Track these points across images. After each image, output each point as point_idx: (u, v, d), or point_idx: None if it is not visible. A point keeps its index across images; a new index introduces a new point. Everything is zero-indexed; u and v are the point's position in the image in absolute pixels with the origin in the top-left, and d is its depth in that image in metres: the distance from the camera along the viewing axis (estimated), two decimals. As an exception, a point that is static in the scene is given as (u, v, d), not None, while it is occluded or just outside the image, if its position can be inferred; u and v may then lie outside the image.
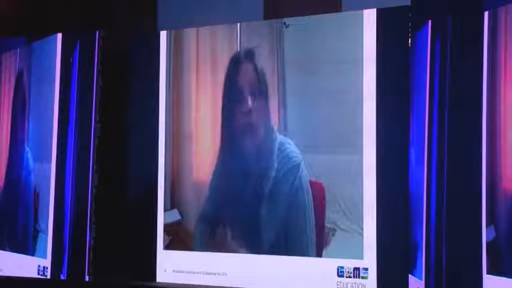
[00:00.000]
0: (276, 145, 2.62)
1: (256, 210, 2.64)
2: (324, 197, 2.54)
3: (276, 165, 2.61)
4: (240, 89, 2.71)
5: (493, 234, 1.96)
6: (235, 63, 2.73)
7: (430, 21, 2.22)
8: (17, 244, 3.10)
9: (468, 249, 2.02)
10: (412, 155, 2.34)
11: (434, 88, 2.18)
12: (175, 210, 2.82)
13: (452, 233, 2.08)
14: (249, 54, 2.70)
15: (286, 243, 2.59)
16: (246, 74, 2.71)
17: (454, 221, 2.07)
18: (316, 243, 2.55)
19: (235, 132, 2.72)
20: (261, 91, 2.67)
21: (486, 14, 2.01)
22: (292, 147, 2.59)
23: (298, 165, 2.57)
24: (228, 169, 2.73)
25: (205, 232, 2.76)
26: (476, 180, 2.00)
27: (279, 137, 2.62)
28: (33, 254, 3.01)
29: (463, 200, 2.05)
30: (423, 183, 2.21)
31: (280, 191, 2.60)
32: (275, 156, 2.62)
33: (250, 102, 2.68)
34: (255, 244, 2.65)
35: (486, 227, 1.97)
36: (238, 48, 2.73)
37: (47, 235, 2.94)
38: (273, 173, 2.61)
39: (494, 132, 1.98)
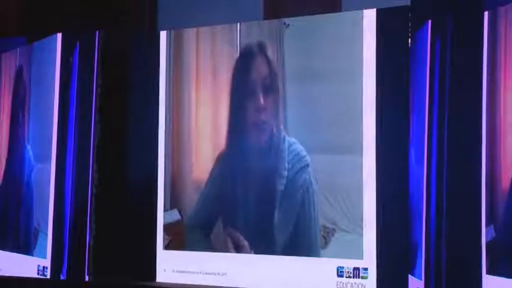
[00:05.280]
0: (286, 144, 2.62)
1: (267, 210, 2.64)
2: (324, 197, 2.54)
3: (287, 163, 2.61)
4: (253, 85, 2.70)
5: (492, 234, 1.95)
6: (247, 59, 2.72)
7: (430, 21, 2.21)
8: (16, 244, 3.10)
9: (468, 249, 2.01)
10: (412, 155, 2.33)
11: (434, 88, 2.17)
12: (175, 210, 2.81)
13: (452, 233, 2.07)
14: (261, 48, 2.69)
15: (293, 243, 2.59)
16: (261, 68, 2.69)
17: (453, 221, 2.07)
18: (317, 243, 2.55)
19: (246, 129, 2.71)
20: (273, 88, 2.66)
21: (486, 14, 2.00)
22: (301, 147, 2.59)
23: (308, 165, 2.57)
24: (234, 168, 2.73)
25: (206, 232, 2.76)
26: (476, 180, 1.99)
27: (287, 137, 2.62)
28: (32, 254, 3.01)
29: (462, 199, 2.05)
30: (423, 183, 2.20)
31: (292, 189, 2.59)
32: (285, 154, 2.61)
33: (262, 100, 2.68)
34: (262, 244, 2.65)
35: (486, 226, 1.96)
36: (239, 48, 2.73)
37: (46, 235, 2.93)
38: (285, 172, 2.61)
39: (494, 132, 1.97)
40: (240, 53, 2.73)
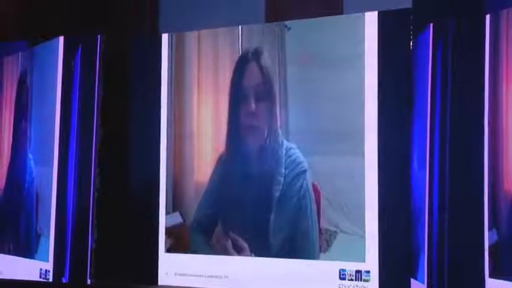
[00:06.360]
0: (283, 150, 2.61)
1: (263, 214, 2.63)
2: (326, 199, 2.53)
3: (284, 169, 2.60)
4: (248, 91, 2.70)
5: (495, 238, 1.94)
6: (242, 64, 2.72)
7: (431, 24, 2.21)
8: (18, 247, 3.09)
9: (470, 253, 2.01)
10: (414, 159, 2.32)
11: (435, 92, 2.17)
12: (177, 213, 2.81)
13: (454, 237, 2.07)
14: (256, 54, 2.69)
15: (291, 247, 2.59)
16: (254, 75, 2.69)
17: (456, 225, 2.07)
18: (318, 246, 2.54)
19: (242, 135, 2.71)
20: (268, 93, 2.66)
21: (488, 17, 2.00)
22: (298, 152, 2.59)
23: (306, 171, 2.57)
24: (232, 172, 2.73)
25: (207, 235, 2.75)
26: (479, 184, 1.99)
27: (285, 141, 2.62)
28: (34, 258, 3.00)
29: (465, 203, 2.04)
30: (425, 186, 2.20)
31: (288, 195, 2.59)
32: (283, 160, 2.61)
33: (257, 105, 2.68)
34: (260, 247, 2.65)
35: (488, 230, 1.96)
36: (240, 51, 2.72)
37: (48, 238, 2.92)
38: (281, 178, 2.60)
39: (497, 136, 1.96)
40: (240, 57, 2.73)
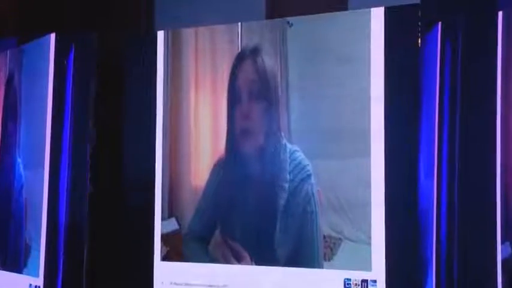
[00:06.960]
0: (287, 153, 2.55)
1: (266, 221, 2.57)
2: (330, 205, 2.47)
3: (289, 174, 2.54)
4: (247, 91, 2.65)
5: (508, 252, 1.91)
6: (241, 62, 2.67)
7: (440, 22, 2.16)
8: (6, 261, 3.04)
9: (482, 267, 1.97)
10: (421, 165, 2.26)
11: (444, 92, 2.12)
12: (173, 219, 2.76)
13: (465, 250, 2.02)
14: (256, 52, 2.63)
15: (293, 255, 2.53)
16: (253, 73, 2.64)
17: (467, 238, 2.02)
18: (322, 254, 2.48)
19: (241, 136, 2.66)
20: (268, 93, 2.60)
21: (500, 14, 1.96)
22: (302, 155, 2.52)
23: (311, 175, 2.50)
24: (231, 175, 2.67)
25: (204, 242, 2.69)
26: (491, 194, 1.94)
27: (288, 144, 2.56)
28: (23, 272, 2.93)
29: (476, 214, 2.00)
30: (433, 195, 2.14)
31: (293, 202, 2.53)
32: (287, 165, 2.55)
33: (256, 105, 2.63)
34: (261, 255, 2.59)
35: (501, 243, 1.92)
36: (239, 49, 2.66)
37: (38, 250, 2.84)
38: (286, 184, 2.54)
39: (510, 141, 1.92)
40: (238, 55, 2.67)
